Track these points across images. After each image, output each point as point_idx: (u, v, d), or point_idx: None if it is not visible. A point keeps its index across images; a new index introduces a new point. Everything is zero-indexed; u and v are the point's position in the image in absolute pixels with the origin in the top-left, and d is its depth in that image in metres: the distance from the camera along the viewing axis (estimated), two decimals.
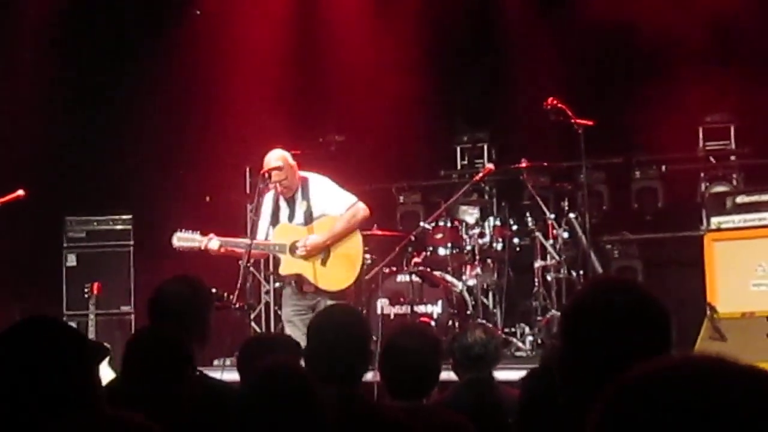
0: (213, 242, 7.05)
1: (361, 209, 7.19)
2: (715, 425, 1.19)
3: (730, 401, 1.20)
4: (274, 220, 7.19)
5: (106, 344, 3.14)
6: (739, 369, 1.25)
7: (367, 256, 8.47)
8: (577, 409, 2.14)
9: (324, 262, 7.07)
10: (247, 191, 10.09)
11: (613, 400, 1.27)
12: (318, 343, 3.68)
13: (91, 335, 8.11)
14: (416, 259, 8.49)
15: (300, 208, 7.18)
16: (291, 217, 7.19)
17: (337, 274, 7.08)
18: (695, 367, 1.26)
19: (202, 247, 7.07)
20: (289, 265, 7.11)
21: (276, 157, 7.12)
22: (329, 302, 6.85)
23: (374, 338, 7.68)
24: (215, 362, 7.83)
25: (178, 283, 3.90)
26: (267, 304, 10.25)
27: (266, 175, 7.13)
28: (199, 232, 7.14)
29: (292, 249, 7.05)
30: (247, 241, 7.07)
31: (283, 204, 7.22)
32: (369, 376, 3.91)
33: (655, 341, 2.17)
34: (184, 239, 7.15)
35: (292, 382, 2.77)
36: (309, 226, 7.12)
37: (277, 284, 10.08)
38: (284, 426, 2.67)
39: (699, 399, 1.21)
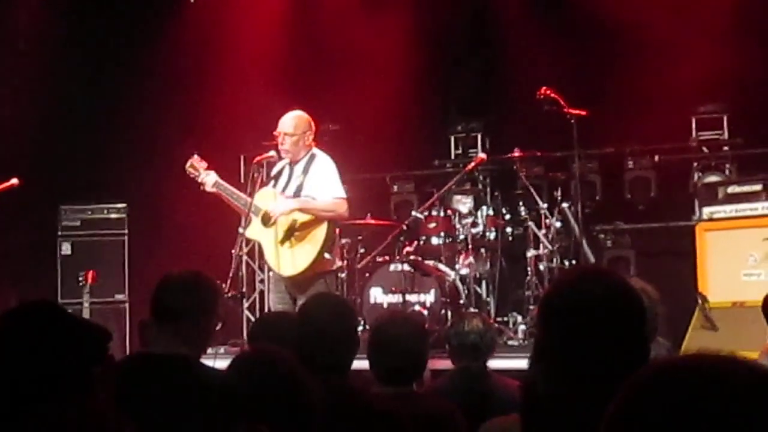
0: (210, 177, 7.05)
1: (343, 207, 7.02)
2: (730, 427, 1.21)
3: (747, 404, 1.22)
4: (271, 184, 7.15)
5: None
6: (752, 369, 1.26)
7: (362, 248, 8.50)
8: (557, 397, 2.17)
9: (282, 243, 6.95)
10: (241, 180, 10.10)
11: (627, 400, 1.28)
12: (306, 332, 3.71)
13: None
14: (408, 248, 8.52)
15: (296, 180, 7.11)
16: (285, 187, 7.12)
17: (289, 259, 6.95)
18: (710, 367, 1.27)
19: (200, 179, 7.08)
20: (252, 230, 7.04)
21: (285, 121, 7.12)
22: (303, 289, 6.84)
23: (366, 327, 7.76)
24: (209, 350, 7.85)
25: (184, 273, 3.91)
26: (261, 293, 10.26)
27: (259, 163, 7.15)
28: (205, 166, 7.18)
29: (265, 217, 7.01)
30: (237, 194, 7.06)
31: (285, 173, 7.16)
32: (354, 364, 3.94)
33: (629, 331, 2.19)
34: (194, 167, 7.17)
35: (272, 367, 2.79)
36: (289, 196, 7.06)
37: (272, 272, 10.11)
38: (266, 412, 2.70)
39: (713, 400, 1.22)
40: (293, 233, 6.94)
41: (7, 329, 2.30)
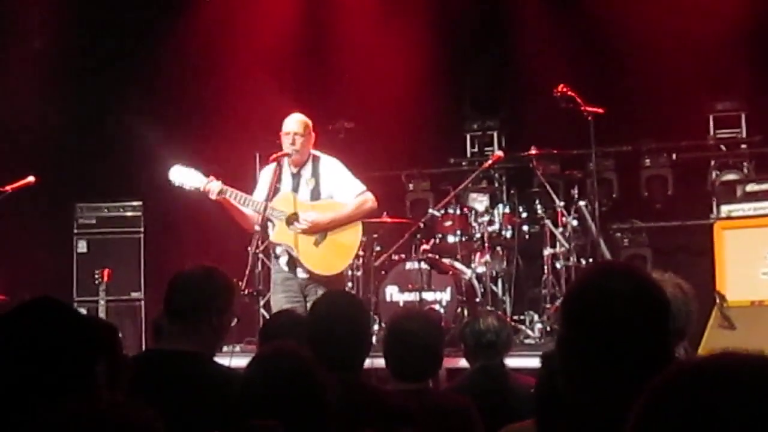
0: (214, 184, 6.89)
1: (370, 200, 7.08)
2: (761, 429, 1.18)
3: None
4: (275, 190, 7.03)
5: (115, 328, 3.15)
6: None
7: (378, 246, 8.48)
8: (577, 394, 2.15)
9: (317, 244, 6.96)
10: (257, 178, 10.09)
11: (653, 402, 1.26)
12: (318, 330, 3.69)
13: None
14: (425, 246, 8.49)
15: (307, 184, 7.06)
16: (294, 191, 7.08)
17: (327, 259, 6.95)
18: (738, 367, 1.25)
19: (202, 188, 6.90)
20: (281, 234, 6.99)
21: (295, 120, 7.08)
22: (320, 288, 6.80)
23: (382, 325, 7.74)
24: (224, 348, 7.83)
25: (198, 270, 3.90)
26: None
27: (276, 161, 7.12)
28: (200, 172, 6.97)
29: (290, 219, 6.97)
30: (252, 199, 7.00)
31: (286, 177, 7.10)
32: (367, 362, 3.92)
33: (652, 326, 2.16)
34: (183, 174, 6.94)
35: (293, 366, 2.78)
36: (314, 204, 7.06)
37: (279, 273, 10.08)
38: (286, 410, 2.69)
39: (742, 401, 1.20)
40: (326, 235, 6.96)
41: (8, 327, 2.29)
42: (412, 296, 8.26)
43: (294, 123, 7.07)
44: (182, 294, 3.81)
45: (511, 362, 5.17)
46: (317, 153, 7.16)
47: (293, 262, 7.02)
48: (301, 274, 6.98)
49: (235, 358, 6.20)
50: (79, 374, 2.22)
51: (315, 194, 7.04)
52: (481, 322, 4.94)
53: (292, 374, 2.78)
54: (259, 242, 6.98)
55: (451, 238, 8.68)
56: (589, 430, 2.13)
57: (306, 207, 6.99)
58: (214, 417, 3.22)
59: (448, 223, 8.68)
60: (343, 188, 7.06)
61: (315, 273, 6.93)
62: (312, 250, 6.95)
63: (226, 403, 3.04)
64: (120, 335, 3.24)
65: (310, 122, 7.15)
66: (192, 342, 3.74)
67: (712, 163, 9.71)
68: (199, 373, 3.67)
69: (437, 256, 8.48)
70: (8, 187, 8.11)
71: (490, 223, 8.73)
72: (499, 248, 8.85)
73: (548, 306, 8.51)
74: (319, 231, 6.94)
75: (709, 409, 1.20)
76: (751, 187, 7.98)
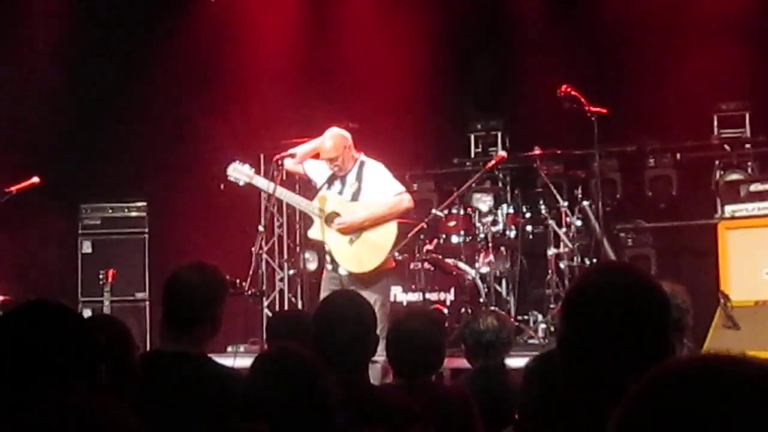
0: (258, 180, 7.30)
1: (406, 200, 7.20)
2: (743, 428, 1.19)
3: (754, 406, 1.19)
4: (325, 187, 7.27)
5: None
6: (762, 370, 1.24)
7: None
8: (578, 391, 2.15)
9: (351, 242, 7.09)
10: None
11: (633, 402, 1.26)
12: (323, 330, 3.70)
13: None
14: (429, 247, 8.50)
15: (350, 187, 7.22)
16: (341, 193, 7.26)
17: (359, 257, 7.06)
18: (718, 369, 1.25)
19: (246, 182, 7.26)
20: (317, 231, 7.16)
21: (328, 148, 7.22)
22: (360, 286, 6.84)
23: (385, 324, 7.74)
24: (228, 348, 7.87)
25: (191, 270, 3.91)
26: (281, 291, 10.28)
27: (278, 161, 7.18)
28: (253, 169, 7.35)
29: (329, 218, 7.09)
30: (295, 196, 7.31)
31: (337, 180, 7.30)
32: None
33: (652, 324, 2.17)
34: (238, 171, 7.30)
35: (296, 367, 2.79)
36: (353, 203, 7.17)
37: (291, 271, 10.10)
38: (290, 411, 2.70)
39: (719, 402, 1.20)
40: (360, 234, 7.05)
41: (2, 328, 2.30)
42: (415, 296, 8.27)
43: (325, 150, 7.22)
44: (179, 296, 3.82)
45: (515, 362, 5.17)
46: (364, 158, 7.27)
47: (333, 259, 7.16)
48: (342, 271, 7.09)
49: (239, 359, 6.23)
50: (76, 375, 2.23)
51: (356, 196, 7.16)
52: (481, 321, 4.94)
53: (295, 375, 2.79)
54: (263, 243, 7.02)
55: (454, 239, 8.68)
56: (590, 427, 2.14)
57: (345, 206, 7.10)
58: (219, 417, 3.23)
59: (452, 224, 8.69)
60: (382, 189, 7.19)
61: (349, 270, 7.03)
62: (345, 248, 7.06)
63: (230, 402, 3.05)
64: (133, 338, 3.27)
65: (340, 137, 7.26)
66: (192, 343, 3.75)
67: (717, 162, 9.69)
68: (203, 374, 3.68)
69: (441, 256, 8.49)
70: (13, 188, 8.15)
71: (494, 223, 8.73)
72: (502, 248, 8.85)
73: (552, 306, 8.51)
74: (355, 230, 7.03)
75: (690, 410, 1.20)
76: (755, 187, 7.98)
